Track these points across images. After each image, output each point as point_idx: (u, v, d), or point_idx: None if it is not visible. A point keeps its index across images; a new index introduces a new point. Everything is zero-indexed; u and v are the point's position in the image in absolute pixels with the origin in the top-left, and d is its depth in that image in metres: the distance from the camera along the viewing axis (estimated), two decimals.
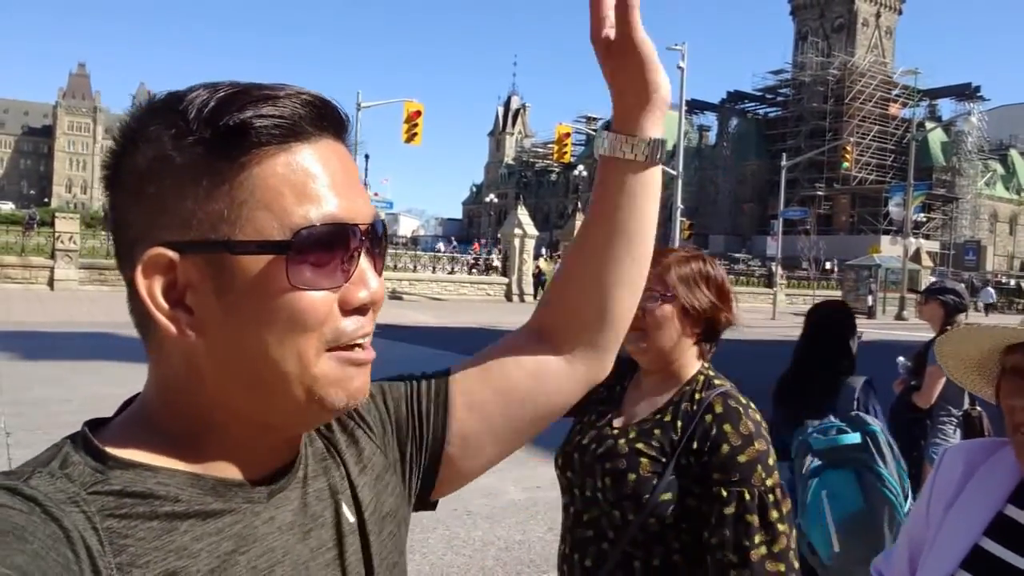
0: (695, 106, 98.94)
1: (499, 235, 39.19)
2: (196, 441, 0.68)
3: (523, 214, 34.66)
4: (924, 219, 72.46)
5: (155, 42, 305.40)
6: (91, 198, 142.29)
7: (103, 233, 30.32)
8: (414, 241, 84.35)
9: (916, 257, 40.78)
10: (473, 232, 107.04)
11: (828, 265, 57.91)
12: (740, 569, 1.65)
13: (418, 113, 25.85)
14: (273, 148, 0.65)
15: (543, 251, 42.95)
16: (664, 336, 1.86)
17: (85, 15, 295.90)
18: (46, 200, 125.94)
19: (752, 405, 1.85)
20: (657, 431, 1.83)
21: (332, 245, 0.66)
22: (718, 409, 1.80)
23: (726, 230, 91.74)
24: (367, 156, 30.07)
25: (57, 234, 24.51)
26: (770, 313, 30.56)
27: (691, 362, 1.92)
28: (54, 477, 0.62)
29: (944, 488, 1.50)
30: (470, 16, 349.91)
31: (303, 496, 0.75)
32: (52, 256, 24.28)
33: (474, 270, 35.89)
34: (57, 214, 27.40)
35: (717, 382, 1.89)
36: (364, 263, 0.69)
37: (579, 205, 39.49)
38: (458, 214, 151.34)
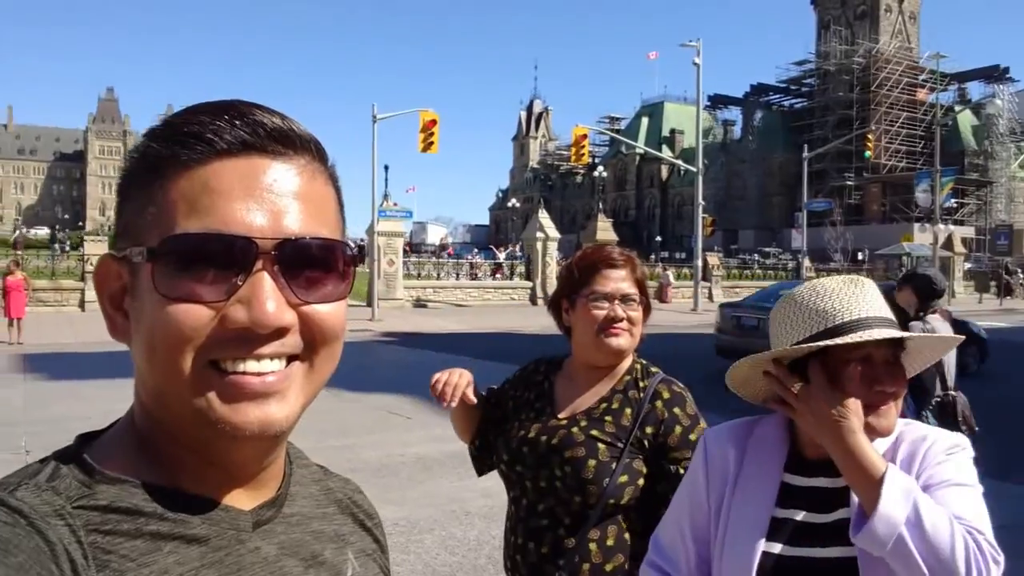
0: (718, 101, 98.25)
1: (521, 239, 39.23)
2: (168, 457, 0.68)
3: (544, 217, 34.67)
4: (956, 205, 70.94)
5: (180, 63, 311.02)
6: None
7: None
8: (442, 248, 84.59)
9: (948, 244, 40.08)
10: (500, 237, 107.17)
11: (860, 256, 57.08)
12: None
13: (433, 122, 25.98)
14: (193, 164, 0.66)
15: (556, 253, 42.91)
16: (637, 335, 2.02)
17: (112, 40, 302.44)
18: (80, 224, 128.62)
19: (688, 391, 2.04)
20: (608, 418, 1.95)
21: (211, 257, 0.64)
22: (665, 395, 1.97)
23: (755, 224, 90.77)
24: (386, 167, 30.07)
25: (86, 257, 25.09)
26: None
27: (630, 355, 2.07)
28: (40, 489, 0.62)
29: (720, 472, 1.58)
30: (489, 22, 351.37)
31: (295, 532, 0.75)
32: (82, 278, 24.87)
33: (497, 275, 35.95)
34: (86, 237, 28.17)
35: (653, 370, 2.06)
36: (265, 284, 0.65)
37: (600, 207, 39.28)
38: (485, 220, 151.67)
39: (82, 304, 24.35)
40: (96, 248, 25.44)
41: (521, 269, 35.24)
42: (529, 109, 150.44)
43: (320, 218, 0.69)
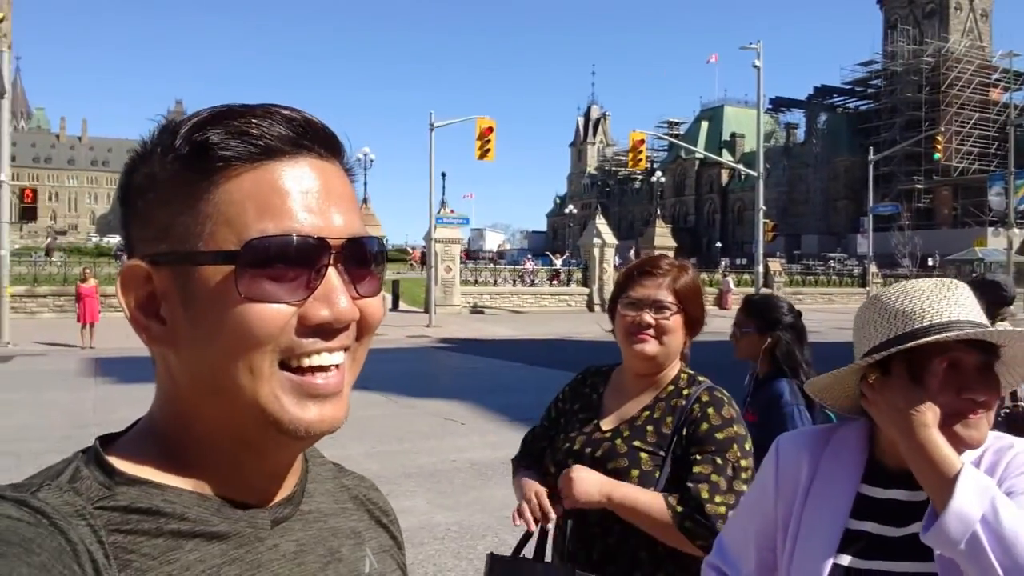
0: (781, 103, 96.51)
1: (578, 245, 39.11)
2: (197, 458, 0.70)
3: (602, 223, 34.54)
4: None
5: (243, 75, 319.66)
6: None
7: None
8: (500, 255, 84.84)
9: None
10: (558, 244, 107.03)
11: (930, 261, 55.27)
12: (695, 515, 1.82)
13: (490, 129, 26.13)
14: (244, 166, 0.67)
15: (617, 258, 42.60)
16: (672, 343, 2.02)
17: (180, 53, 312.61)
18: None
19: (732, 399, 2.03)
20: (650, 428, 1.98)
21: (289, 258, 0.66)
22: (704, 399, 1.99)
23: (819, 229, 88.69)
24: (443, 174, 30.54)
25: None
26: None
27: (676, 364, 2.08)
28: (62, 490, 0.63)
29: (791, 480, 1.53)
30: (546, 29, 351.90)
31: (312, 529, 0.76)
32: None
33: (554, 281, 35.92)
34: None
35: (700, 378, 2.07)
36: (335, 281, 0.68)
37: (659, 212, 38.89)
38: (543, 226, 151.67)
39: None
40: None
41: (578, 275, 35.15)
42: (586, 115, 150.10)
43: (360, 216, 0.73)
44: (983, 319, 1.40)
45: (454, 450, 8.64)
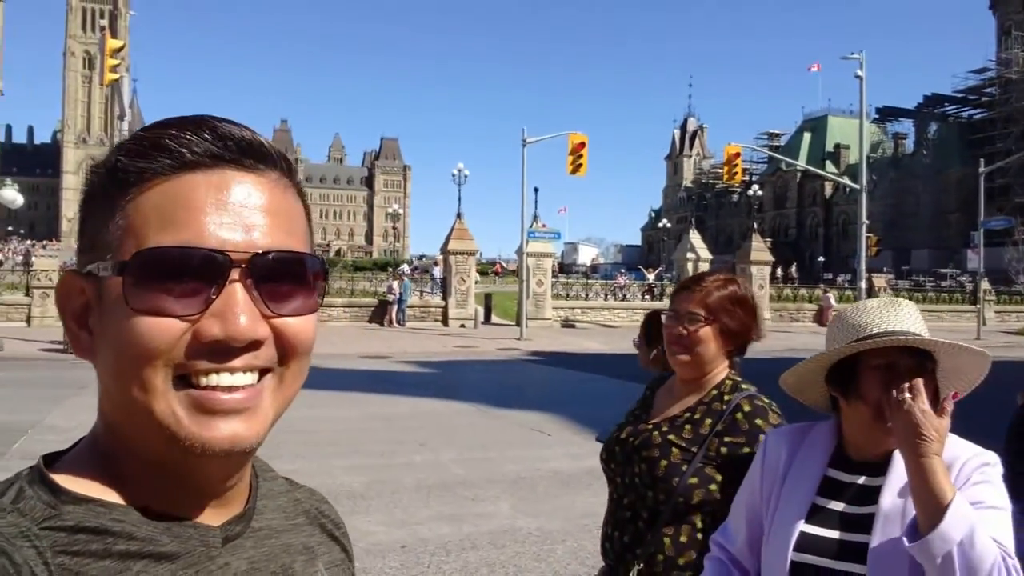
0: (888, 113, 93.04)
1: (672, 259, 38.70)
2: (136, 475, 0.68)
3: (695, 238, 34.13)
4: None
5: (348, 96, 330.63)
6: None
7: None
8: (593, 269, 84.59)
9: None
10: (652, 258, 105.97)
11: None
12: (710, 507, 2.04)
13: (582, 144, 26.29)
14: (159, 178, 0.66)
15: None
16: (705, 352, 2.18)
17: (285, 75, 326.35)
18: None
19: (774, 405, 2.17)
20: (688, 426, 2.16)
21: (183, 271, 0.64)
22: (747, 408, 2.13)
23: (929, 244, 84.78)
24: (536, 189, 30.81)
25: None
26: (974, 332, 28.03)
27: (721, 371, 2.23)
28: (5, 511, 0.62)
29: (773, 466, 1.82)
30: (642, 41, 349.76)
31: (264, 546, 0.75)
32: None
33: (647, 296, 35.64)
34: None
35: (744, 386, 2.22)
36: (238, 297, 0.65)
37: (755, 226, 38.02)
38: (637, 240, 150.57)
39: None
40: None
41: (671, 290, 34.76)
42: (683, 127, 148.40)
43: (291, 232, 0.70)
44: (923, 331, 1.66)
45: (538, 459, 8.79)
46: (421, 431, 10.16)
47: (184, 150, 0.66)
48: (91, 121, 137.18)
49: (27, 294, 25.67)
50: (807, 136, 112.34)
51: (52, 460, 0.69)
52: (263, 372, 0.67)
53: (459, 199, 31.20)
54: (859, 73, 29.30)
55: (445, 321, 28.41)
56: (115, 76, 18.38)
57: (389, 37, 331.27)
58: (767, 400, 2.17)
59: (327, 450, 8.86)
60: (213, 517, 0.70)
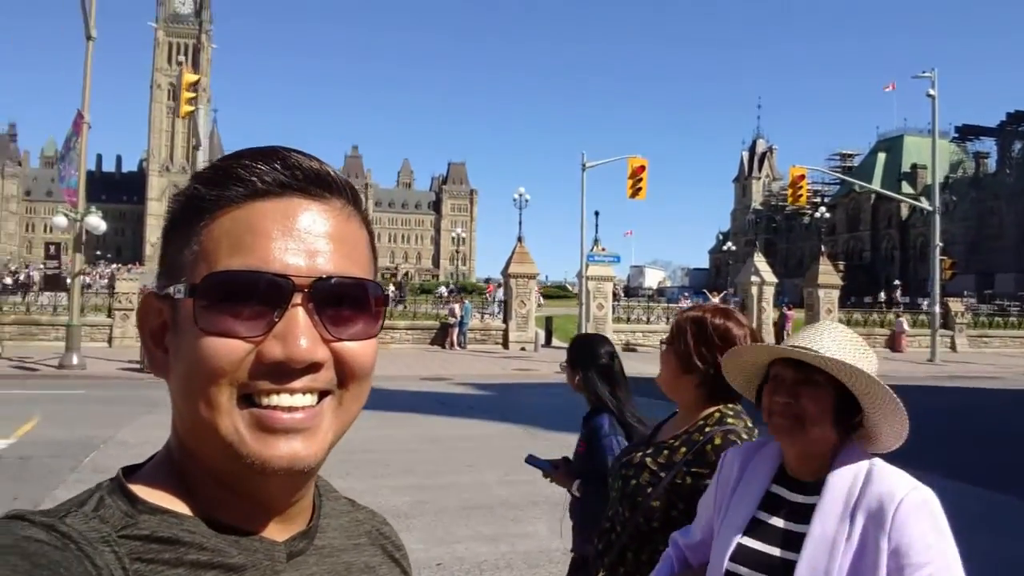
0: (969, 131, 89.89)
1: (735, 283, 38.16)
2: (206, 489, 0.71)
3: (760, 261, 33.59)
4: None
5: (417, 121, 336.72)
6: None
7: None
8: (660, 293, 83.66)
9: None
10: (720, 281, 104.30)
11: None
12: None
13: (642, 168, 26.30)
14: (231, 206, 0.69)
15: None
16: (665, 372, 2.32)
17: (357, 103, 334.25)
18: None
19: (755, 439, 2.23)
20: (666, 452, 2.28)
21: (249, 294, 0.67)
22: (718, 440, 2.20)
23: (1016, 267, 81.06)
24: (596, 213, 31.11)
25: None
26: None
27: (699, 402, 2.30)
28: (88, 518, 0.65)
29: (726, 479, 1.91)
30: (709, 61, 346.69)
31: (326, 563, 0.77)
32: None
33: None
34: None
35: (730, 421, 2.26)
36: (300, 320, 0.67)
37: (823, 249, 37.16)
38: (705, 263, 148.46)
39: None
40: None
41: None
42: (752, 149, 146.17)
43: (353, 258, 0.73)
44: (837, 351, 1.67)
45: None
46: (470, 452, 10.35)
47: (255, 179, 0.70)
48: (174, 150, 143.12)
49: (109, 315, 26.91)
50: (882, 156, 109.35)
51: (130, 472, 0.73)
52: (323, 394, 0.70)
53: (520, 223, 31.74)
54: (931, 92, 28.64)
55: (505, 344, 28.64)
56: (191, 108, 19.38)
57: (456, 63, 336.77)
58: (747, 436, 2.18)
59: (377, 469, 9.10)
60: (278, 532, 0.73)
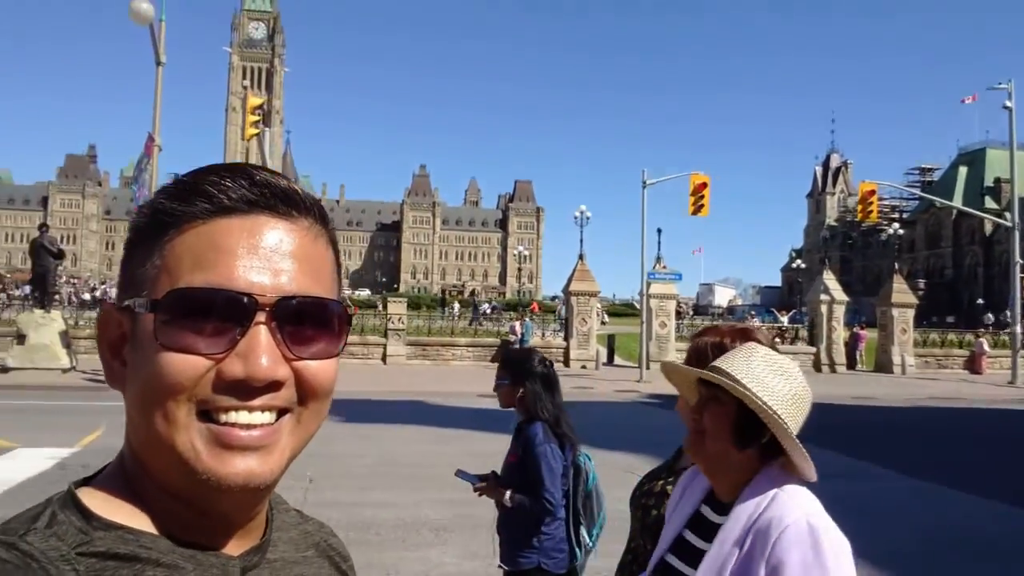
0: None
1: (805, 301, 37.17)
2: (160, 503, 0.70)
3: (830, 279, 32.65)
4: None
5: (484, 141, 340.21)
6: (431, 283, 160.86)
7: (426, 313, 34.62)
8: (730, 311, 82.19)
9: None
10: (793, 300, 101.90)
11: None
12: None
13: (704, 185, 25.91)
14: (196, 222, 0.69)
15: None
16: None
17: (425, 126, 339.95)
18: (395, 286, 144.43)
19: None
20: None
21: (210, 311, 0.66)
22: None
23: None
24: (659, 231, 30.60)
25: (388, 315, 28.41)
26: None
27: None
28: (46, 536, 0.64)
29: (673, 500, 1.96)
30: (781, 75, 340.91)
31: None
32: (384, 335, 28.16)
33: (777, 339, 34.30)
34: (389, 298, 31.83)
35: None
36: (262, 338, 0.67)
37: (896, 267, 35.84)
38: (777, 281, 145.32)
39: (384, 358, 27.46)
40: (397, 308, 28.70)
41: (804, 333, 33.35)
42: (825, 164, 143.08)
43: (318, 278, 0.73)
44: (741, 373, 1.66)
45: (618, 500, 8.60)
46: None
47: (222, 195, 0.70)
48: None
49: (384, 335, 28.13)
50: (963, 170, 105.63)
51: (81, 485, 0.72)
52: (282, 412, 0.70)
53: (581, 241, 31.75)
54: (1008, 104, 27.59)
55: (566, 362, 28.48)
56: (255, 131, 20.01)
57: (523, 81, 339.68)
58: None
59: (419, 484, 9.15)
60: (233, 547, 0.73)
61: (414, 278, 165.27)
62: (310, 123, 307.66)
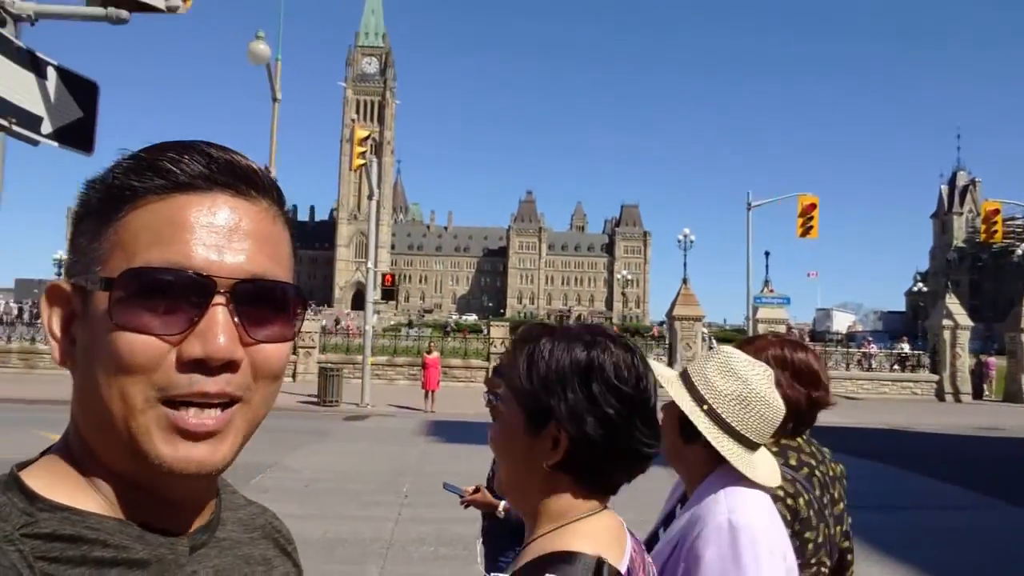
0: None
1: (926, 326, 35.24)
2: (107, 484, 0.69)
3: (952, 303, 30.87)
4: None
5: (589, 166, 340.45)
6: (538, 307, 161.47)
7: None
8: (850, 338, 78.67)
9: None
10: (918, 324, 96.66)
11: None
12: None
13: (813, 206, 25.17)
14: (151, 197, 0.67)
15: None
16: None
17: (532, 152, 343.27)
18: (502, 311, 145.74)
19: (784, 473, 2.17)
20: None
21: (168, 290, 0.65)
22: None
23: None
24: (767, 253, 29.82)
25: (491, 339, 28.80)
26: None
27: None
28: None
29: (667, 501, 1.99)
30: (900, 93, 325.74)
31: (228, 556, 0.77)
32: (487, 358, 28.53)
33: (896, 366, 32.66)
34: (492, 322, 32.24)
35: (772, 452, 2.22)
36: (219, 318, 0.66)
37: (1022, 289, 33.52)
38: (901, 306, 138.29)
39: (487, 380, 27.64)
40: (499, 332, 29.05)
41: (926, 360, 31.61)
42: (951, 182, 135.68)
43: (276, 259, 0.72)
44: (691, 369, 1.75)
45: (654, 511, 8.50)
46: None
47: (178, 171, 0.68)
48: (360, 200, 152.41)
49: (294, 352, 28.74)
50: None
51: (23, 467, 0.71)
52: (235, 400, 0.69)
53: (684, 264, 31.31)
54: None
55: None
56: (362, 162, 20.95)
57: (628, 104, 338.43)
58: (790, 472, 2.13)
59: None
60: (181, 526, 0.73)
61: (520, 303, 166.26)
62: (420, 152, 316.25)
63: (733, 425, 1.64)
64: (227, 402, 0.68)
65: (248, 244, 0.69)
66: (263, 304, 0.69)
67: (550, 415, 1.10)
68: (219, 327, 0.66)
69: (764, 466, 1.68)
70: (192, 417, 0.66)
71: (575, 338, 1.12)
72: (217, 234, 0.67)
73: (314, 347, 28.43)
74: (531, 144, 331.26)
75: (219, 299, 0.66)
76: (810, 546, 2.13)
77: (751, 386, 1.67)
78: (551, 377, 1.10)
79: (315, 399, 20.61)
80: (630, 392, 1.11)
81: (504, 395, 1.17)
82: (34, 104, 3.44)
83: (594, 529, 1.11)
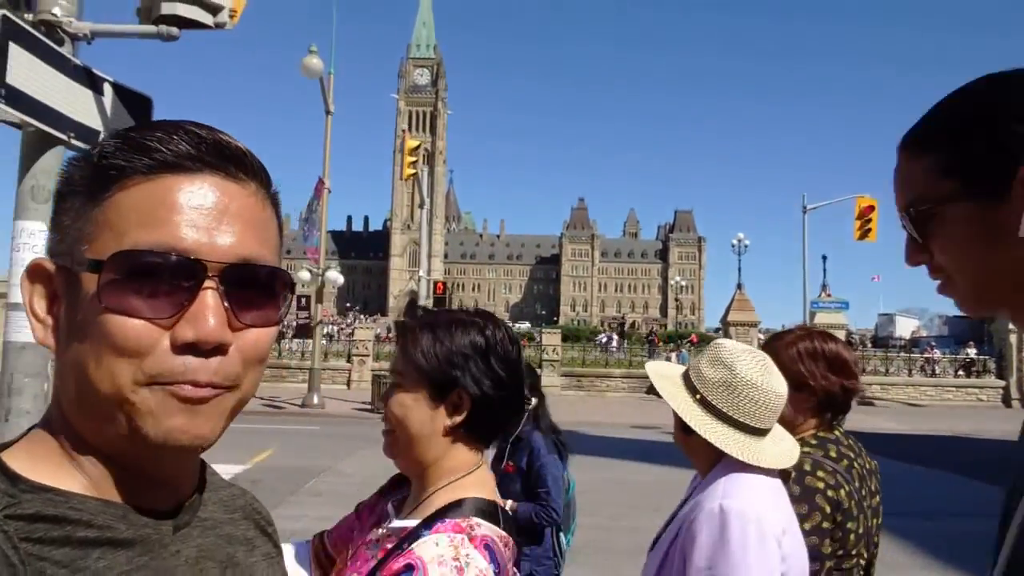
0: None
1: (990, 331, 34.07)
2: (90, 464, 0.69)
3: None
4: None
5: (643, 172, 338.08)
6: (591, 315, 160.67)
7: (579, 344, 34.80)
8: (914, 343, 76.41)
9: None
10: (984, 329, 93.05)
11: None
12: None
13: (871, 208, 24.45)
14: (140, 177, 0.66)
15: None
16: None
17: (583, 159, 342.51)
18: (555, 319, 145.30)
19: (828, 465, 2.25)
20: None
21: (158, 273, 0.64)
22: (806, 466, 2.22)
23: None
24: (824, 257, 29.21)
25: (543, 347, 28.80)
26: None
27: (804, 428, 2.37)
28: None
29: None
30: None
31: (210, 536, 0.77)
32: (539, 366, 28.41)
33: (961, 372, 31.66)
34: (545, 330, 32.26)
35: (811, 445, 2.29)
36: (209, 301, 0.66)
37: None
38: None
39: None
40: (551, 339, 29.04)
41: (992, 365, 30.58)
42: None
43: (266, 243, 0.72)
44: (692, 362, 1.85)
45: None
46: (659, 498, 10.13)
47: (166, 151, 0.67)
48: (413, 209, 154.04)
49: (348, 360, 29.43)
50: None
51: (3, 448, 0.71)
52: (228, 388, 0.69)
53: (739, 269, 30.80)
54: None
55: None
56: (413, 171, 21.34)
57: (680, 109, 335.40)
58: (831, 463, 2.21)
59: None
60: (165, 506, 0.73)
61: (573, 310, 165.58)
62: (472, 161, 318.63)
63: (724, 411, 1.70)
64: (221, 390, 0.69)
65: (238, 227, 0.68)
66: (252, 288, 0.69)
67: (455, 384, 1.33)
68: (210, 311, 0.65)
69: (774, 448, 1.70)
70: (189, 387, 0.65)
71: (471, 323, 1.37)
72: (207, 216, 0.67)
73: (368, 355, 28.84)
74: (583, 151, 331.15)
75: (209, 283, 0.66)
76: (852, 536, 2.14)
77: (736, 371, 1.72)
78: (456, 353, 1.34)
79: (369, 406, 20.89)
80: (514, 358, 1.39)
81: (407, 373, 1.37)
82: (91, 119, 3.62)
83: (481, 480, 1.35)
